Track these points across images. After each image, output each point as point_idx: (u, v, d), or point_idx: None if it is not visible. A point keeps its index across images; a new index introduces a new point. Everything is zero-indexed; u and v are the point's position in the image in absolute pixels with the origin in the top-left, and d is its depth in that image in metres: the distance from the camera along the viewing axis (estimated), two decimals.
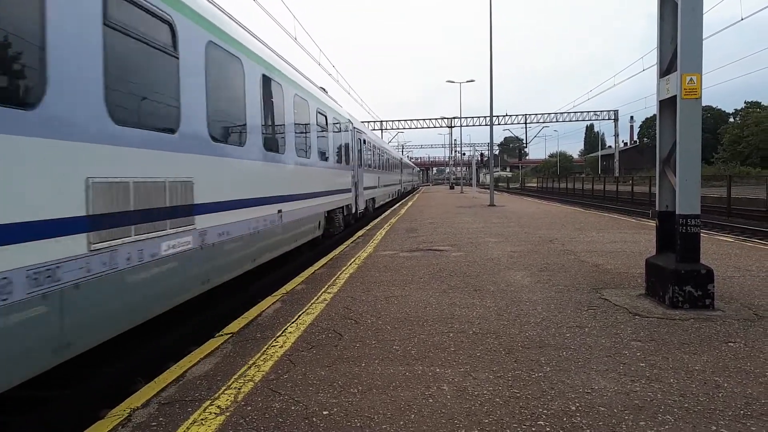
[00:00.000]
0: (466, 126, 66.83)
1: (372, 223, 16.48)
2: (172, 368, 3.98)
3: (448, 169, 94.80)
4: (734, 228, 17.96)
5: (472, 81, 48.61)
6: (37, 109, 3.18)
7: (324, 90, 13.20)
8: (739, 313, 5.02)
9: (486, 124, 57.93)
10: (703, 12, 5.19)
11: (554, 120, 67.21)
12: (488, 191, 27.83)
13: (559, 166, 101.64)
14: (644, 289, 5.90)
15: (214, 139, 5.57)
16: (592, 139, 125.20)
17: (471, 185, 59.07)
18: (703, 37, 5.21)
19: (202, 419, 3.06)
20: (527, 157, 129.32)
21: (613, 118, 65.95)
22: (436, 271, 7.61)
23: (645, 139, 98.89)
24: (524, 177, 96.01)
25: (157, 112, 4.65)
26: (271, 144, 7.62)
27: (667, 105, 5.62)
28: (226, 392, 3.44)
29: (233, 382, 3.62)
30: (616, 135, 68.48)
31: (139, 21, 4.29)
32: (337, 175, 12.79)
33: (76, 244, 3.46)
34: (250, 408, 3.20)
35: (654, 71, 5.92)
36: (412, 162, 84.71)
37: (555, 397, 3.25)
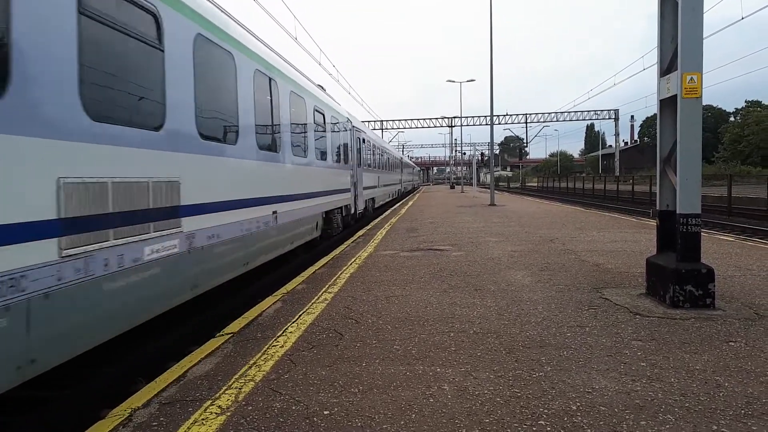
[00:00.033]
0: (467, 126, 66.83)
1: (372, 223, 16.48)
2: (172, 368, 3.98)
3: (448, 169, 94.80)
4: (735, 227, 17.95)
5: (472, 80, 48.72)
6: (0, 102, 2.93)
7: (322, 88, 13.03)
8: (739, 313, 5.02)
9: (486, 124, 57.92)
10: (704, 11, 5.19)
11: (555, 119, 67.12)
12: (489, 191, 27.82)
13: (559, 165, 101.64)
14: (645, 289, 5.90)
15: (203, 137, 5.33)
16: (593, 138, 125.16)
17: (471, 185, 59.06)
18: (704, 37, 5.20)
19: (203, 419, 3.06)
20: (528, 157, 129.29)
21: (613, 117, 65.83)
22: (436, 271, 7.61)
23: (645, 139, 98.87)
24: (525, 176, 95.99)
25: (139, 108, 4.38)
26: (266, 143, 7.40)
27: (668, 104, 5.61)
28: (226, 392, 3.44)
29: (234, 381, 3.62)
30: (617, 134, 68.37)
31: (118, 11, 4.05)
32: (335, 174, 12.55)
33: (45, 250, 3.19)
34: (251, 408, 3.20)
35: (654, 70, 5.92)
36: (413, 161, 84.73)
37: (556, 396, 3.25)
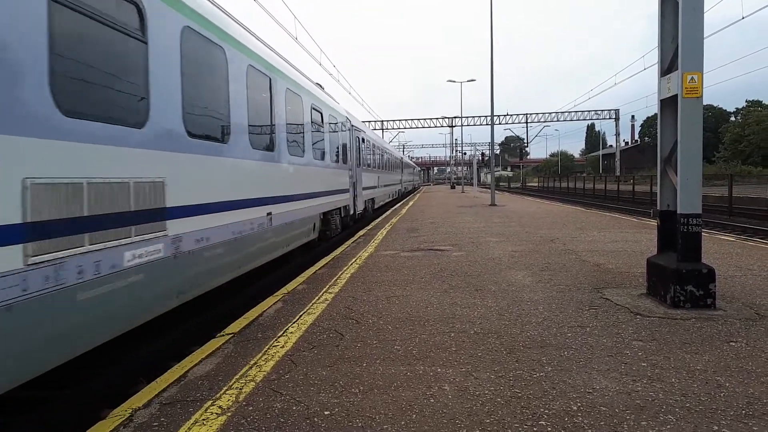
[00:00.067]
0: (467, 125, 66.84)
1: (373, 223, 16.48)
2: (173, 368, 3.98)
3: (449, 169, 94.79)
4: (736, 227, 17.94)
5: (472, 80, 48.75)
6: None
7: (320, 86, 12.79)
8: (740, 313, 5.01)
9: (487, 124, 57.87)
10: (704, 11, 5.19)
11: (555, 119, 67.12)
12: (489, 191, 27.81)
13: (560, 165, 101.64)
14: (645, 289, 5.89)
15: (191, 135, 5.07)
16: (593, 138, 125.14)
17: (472, 185, 59.05)
18: (704, 36, 5.20)
19: (203, 419, 3.06)
20: (528, 157, 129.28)
21: (614, 117, 65.83)
22: (437, 271, 7.61)
23: (646, 138, 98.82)
24: (525, 176, 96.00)
25: (119, 104, 4.07)
26: (260, 142, 7.15)
27: (669, 104, 5.61)
28: (227, 392, 3.45)
29: (234, 382, 3.62)
30: (617, 134, 68.33)
31: None
32: (333, 174, 12.28)
33: (7, 258, 2.92)
34: (251, 408, 3.20)
35: (655, 70, 5.91)
36: (413, 162, 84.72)
37: (556, 396, 3.25)
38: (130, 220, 4.05)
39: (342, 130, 13.78)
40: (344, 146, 14.08)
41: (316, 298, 6.10)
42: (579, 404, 3.13)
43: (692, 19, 5.13)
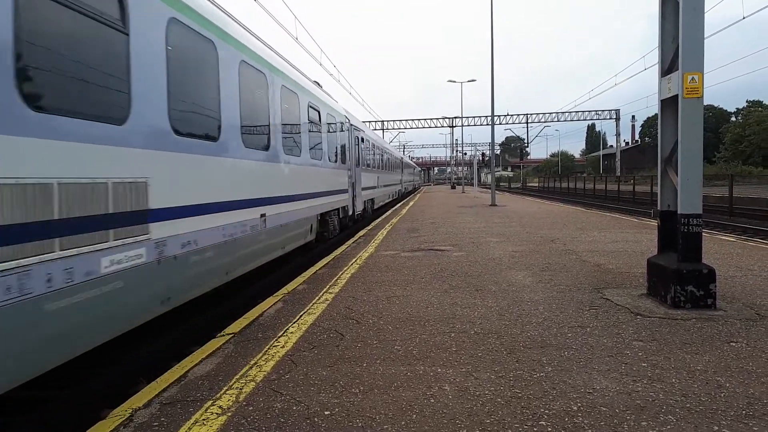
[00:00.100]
0: (468, 126, 66.88)
1: (374, 223, 16.48)
2: (173, 368, 3.98)
3: (449, 169, 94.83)
4: (736, 227, 17.93)
5: (473, 81, 48.67)
6: None
7: (318, 84, 12.53)
8: (741, 313, 5.01)
9: (487, 124, 57.88)
10: (705, 11, 5.18)
11: (555, 119, 67.18)
12: (489, 191, 27.82)
13: (560, 165, 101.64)
14: (646, 289, 5.89)
15: (177, 132, 4.82)
16: (594, 138, 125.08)
17: (472, 185, 59.06)
18: (705, 36, 5.20)
19: (203, 419, 3.06)
20: (529, 157, 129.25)
21: (614, 117, 65.83)
22: (437, 271, 7.61)
23: (647, 139, 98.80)
24: (526, 177, 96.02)
25: (96, 99, 3.81)
26: (253, 140, 6.88)
27: (669, 104, 5.61)
28: (227, 392, 3.45)
29: (235, 382, 3.62)
30: (618, 134, 68.34)
31: None
32: (331, 174, 12.02)
33: None
34: (251, 408, 3.20)
35: (655, 70, 5.91)
36: (414, 162, 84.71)
37: (557, 397, 3.25)
38: (108, 223, 3.78)
39: (340, 130, 13.53)
40: (343, 146, 13.80)
41: (317, 298, 6.10)
42: (579, 404, 3.13)
43: (693, 19, 5.13)
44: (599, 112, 66.31)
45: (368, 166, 19.47)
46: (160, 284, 4.53)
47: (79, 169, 3.53)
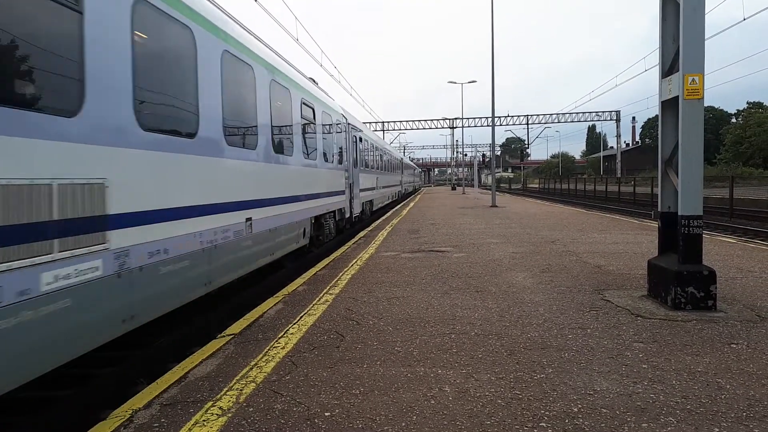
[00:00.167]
0: (468, 126, 66.87)
1: (374, 224, 16.48)
2: (174, 369, 3.98)
3: (449, 170, 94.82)
4: (737, 229, 17.92)
5: (473, 82, 48.74)
6: None
7: (314, 81, 12.13)
8: (741, 315, 5.01)
9: (488, 125, 57.89)
10: (705, 12, 5.19)
11: (556, 121, 67.13)
12: (490, 192, 27.82)
13: (561, 166, 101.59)
14: (646, 291, 5.89)
15: (145, 128, 4.33)
16: (594, 139, 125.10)
17: (473, 186, 59.07)
18: (705, 38, 5.20)
19: (204, 420, 3.06)
20: (529, 158, 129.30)
21: (615, 118, 65.83)
22: (437, 273, 7.61)
23: (647, 140, 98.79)
24: (526, 178, 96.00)
25: (38, 85, 3.30)
26: (238, 138, 6.41)
27: (670, 105, 5.61)
28: (228, 393, 3.45)
29: (235, 383, 3.62)
30: (618, 136, 68.28)
31: None
32: (327, 175, 11.51)
33: None
34: (252, 409, 3.20)
35: (656, 72, 5.92)
36: (414, 163, 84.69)
37: (557, 398, 3.25)
38: (51, 231, 3.24)
39: (337, 129, 13.07)
40: (339, 145, 13.35)
41: (317, 299, 6.10)
42: (580, 406, 3.13)
43: (693, 20, 5.13)
44: (600, 114, 66.31)
45: (367, 166, 19.13)
46: (121, 300, 3.99)
47: (11, 167, 3.00)
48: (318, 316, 5.33)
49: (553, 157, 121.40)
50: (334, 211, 12.46)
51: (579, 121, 68.08)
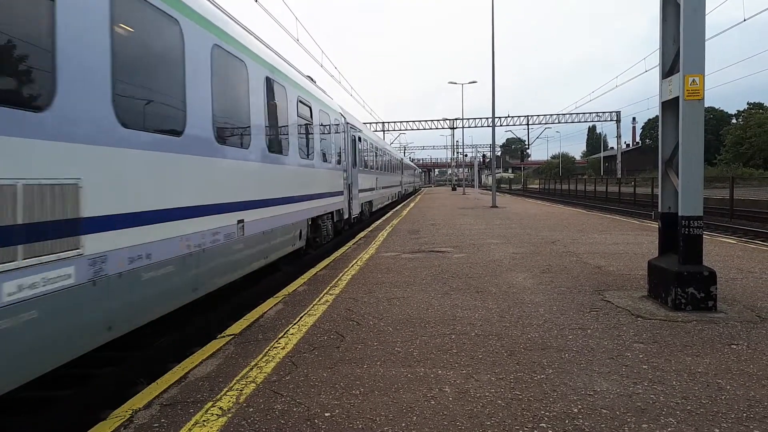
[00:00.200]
0: (468, 127, 66.91)
1: (374, 225, 16.48)
2: (174, 369, 3.98)
3: (450, 171, 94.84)
4: (737, 230, 17.92)
5: (474, 82, 48.76)
6: None
7: (311, 79, 11.91)
8: (742, 315, 5.01)
9: (488, 125, 57.92)
10: (705, 13, 5.19)
11: (556, 121, 67.10)
12: (490, 192, 27.81)
13: (561, 167, 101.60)
14: (647, 291, 5.89)
15: (126, 124, 4.07)
16: (595, 140, 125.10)
17: (473, 186, 59.09)
18: (706, 38, 5.20)
19: (204, 420, 3.06)
20: (529, 159, 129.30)
21: (615, 119, 65.84)
22: (438, 273, 7.61)
23: (647, 141, 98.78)
24: (526, 178, 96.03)
25: (1, 75, 3.05)
26: (229, 136, 6.16)
27: (670, 106, 5.61)
28: (228, 393, 3.45)
29: (235, 383, 3.62)
30: (619, 136, 68.28)
31: None
32: (324, 176, 11.27)
33: None
34: (252, 409, 3.20)
35: (656, 72, 5.92)
36: (414, 163, 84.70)
37: (557, 399, 3.25)
38: (14, 237, 2.99)
39: (335, 128, 12.83)
40: (338, 145, 13.12)
41: (317, 299, 6.10)
42: (580, 406, 3.13)
43: (693, 21, 5.13)
44: (600, 114, 66.31)
45: (366, 167, 18.91)
46: (97, 310, 3.72)
47: None
48: (318, 316, 5.33)
49: (553, 157, 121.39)
50: (332, 213, 12.26)
51: (579, 122, 68.16)
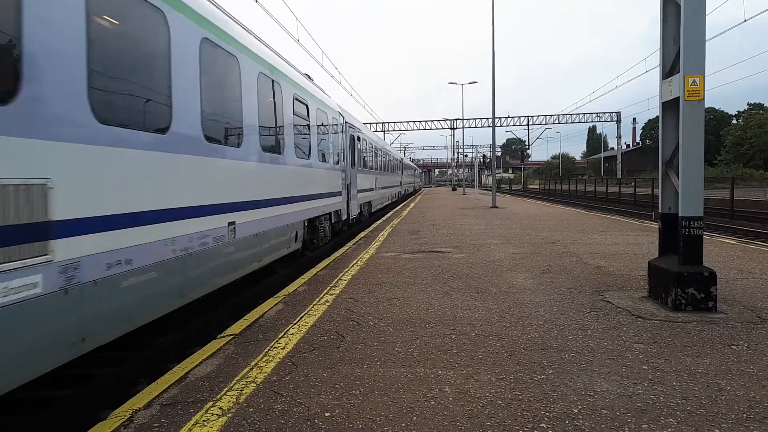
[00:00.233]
0: (468, 127, 66.93)
1: (374, 225, 16.48)
2: (174, 369, 3.98)
3: (450, 171, 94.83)
4: (737, 230, 17.91)
5: (474, 83, 48.78)
6: None
7: (309, 77, 11.63)
8: (742, 316, 5.01)
9: (488, 126, 57.94)
10: (706, 13, 5.19)
11: (556, 122, 67.13)
12: (490, 193, 27.81)
13: (561, 167, 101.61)
14: (647, 292, 5.89)
15: (103, 120, 3.79)
16: (595, 140, 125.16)
17: (473, 187, 59.10)
18: (706, 39, 5.20)
19: (204, 420, 3.06)
20: (529, 159, 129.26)
21: (615, 119, 65.86)
22: (438, 273, 7.61)
23: (647, 141, 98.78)
24: (526, 179, 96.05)
25: None
26: (219, 134, 5.90)
27: (670, 107, 5.61)
28: (228, 393, 3.45)
29: (235, 383, 3.62)
30: (619, 137, 68.29)
31: None
32: (322, 176, 11.01)
33: None
34: (252, 409, 3.20)
35: (656, 73, 5.92)
36: (415, 163, 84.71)
37: (557, 399, 3.25)
38: None
39: (334, 127, 12.57)
40: (336, 145, 12.87)
41: (317, 299, 6.10)
42: (580, 407, 3.13)
43: (694, 21, 5.13)
44: (600, 115, 66.36)
45: (365, 167, 18.71)
46: (68, 321, 3.44)
47: None
48: (318, 316, 5.33)
49: (553, 158, 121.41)
50: (329, 213, 12.04)
51: (579, 122, 68.17)
